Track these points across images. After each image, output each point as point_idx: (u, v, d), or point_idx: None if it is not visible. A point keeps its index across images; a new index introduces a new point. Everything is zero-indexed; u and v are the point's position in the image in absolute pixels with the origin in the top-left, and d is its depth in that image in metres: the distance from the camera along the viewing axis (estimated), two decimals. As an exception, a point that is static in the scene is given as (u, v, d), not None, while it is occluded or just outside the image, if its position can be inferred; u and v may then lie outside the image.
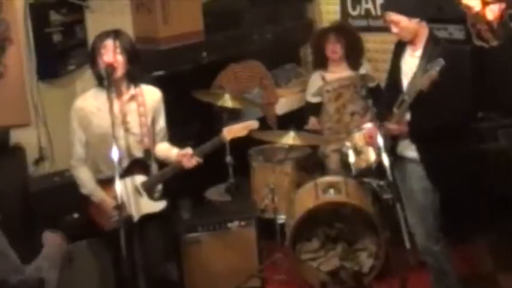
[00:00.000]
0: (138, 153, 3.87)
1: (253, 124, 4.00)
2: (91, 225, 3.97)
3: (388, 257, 4.45)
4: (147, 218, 3.90)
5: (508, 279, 4.44)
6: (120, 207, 3.55)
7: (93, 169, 3.90)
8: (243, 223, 4.70)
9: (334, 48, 5.18)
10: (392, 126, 3.81)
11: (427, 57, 3.72)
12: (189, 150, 3.86)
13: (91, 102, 3.83)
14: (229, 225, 4.68)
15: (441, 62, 3.53)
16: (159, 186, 3.98)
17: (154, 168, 3.98)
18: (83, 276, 4.30)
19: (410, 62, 3.85)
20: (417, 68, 3.76)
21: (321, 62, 5.29)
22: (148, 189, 3.89)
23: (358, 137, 4.38)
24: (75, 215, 4.28)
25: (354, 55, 5.24)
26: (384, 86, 4.39)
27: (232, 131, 3.93)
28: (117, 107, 3.79)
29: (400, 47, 3.94)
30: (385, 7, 3.94)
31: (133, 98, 3.84)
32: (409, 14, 3.74)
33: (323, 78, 5.23)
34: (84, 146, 3.86)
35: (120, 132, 3.80)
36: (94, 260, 4.30)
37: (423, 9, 3.81)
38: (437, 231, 3.95)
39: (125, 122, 3.82)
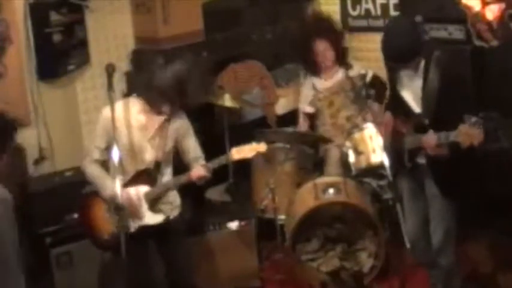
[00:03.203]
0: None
1: (262, 147, 4.02)
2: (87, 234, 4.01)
3: (388, 257, 4.45)
4: (146, 230, 3.90)
5: (508, 279, 4.44)
6: (121, 207, 3.57)
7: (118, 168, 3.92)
8: (243, 223, 4.70)
9: (325, 56, 5.16)
10: (430, 143, 3.64)
11: (430, 66, 3.69)
12: (201, 166, 3.93)
13: (120, 114, 3.84)
14: (229, 225, 4.68)
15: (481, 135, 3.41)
16: (177, 200, 4.03)
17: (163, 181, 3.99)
18: (83, 277, 4.30)
19: (413, 76, 3.78)
20: (423, 80, 3.71)
21: (313, 70, 5.26)
22: (151, 200, 3.90)
23: (359, 137, 4.38)
24: (75, 215, 4.28)
25: (341, 52, 5.21)
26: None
27: (241, 152, 3.97)
28: (151, 123, 3.88)
29: (392, 66, 3.88)
30: (393, 61, 3.75)
31: (166, 121, 3.91)
32: (417, 55, 3.66)
33: (314, 87, 5.25)
34: (100, 152, 3.86)
35: (147, 147, 3.86)
36: (95, 260, 4.30)
37: (422, 36, 3.71)
38: (456, 232, 3.96)
39: (152, 140, 3.88)
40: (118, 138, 3.76)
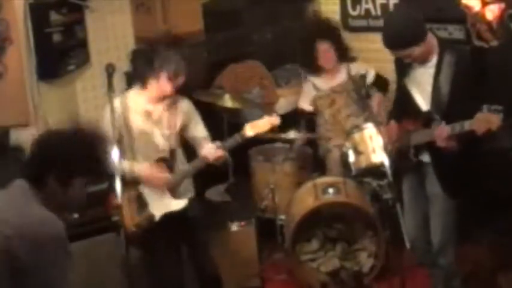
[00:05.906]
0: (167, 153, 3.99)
1: (276, 120, 4.01)
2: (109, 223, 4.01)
3: (388, 257, 4.45)
4: (172, 217, 3.95)
5: (508, 279, 4.43)
6: (120, 206, 3.58)
7: (131, 158, 3.98)
8: (243, 223, 4.70)
9: (327, 57, 5.11)
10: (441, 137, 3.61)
11: (442, 65, 3.67)
12: (212, 145, 3.99)
13: (128, 103, 3.95)
14: (229, 225, 4.69)
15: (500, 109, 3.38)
16: (188, 185, 4.08)
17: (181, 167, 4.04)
18: (83, 276, 4.29)
19: (422, 73, 3.76)
20: (434, 78, 3.70)
21: (314, 70, 5.22)
22: (171, 188, 3.94)
23: (359, 137, 4.38)
24: (75, 215, 4.28)
25: (344, 52, 5.18)
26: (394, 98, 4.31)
27: (255, 126, 3.96)
28: (156, 109, 3.95)
29: (401, 62, 3.83)
30: (390, 46, 3.69)
31: (170, 105, 3.98)
32: (415, 42, 3.60)
33: (315, 87, 5.23)
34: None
35: (156, 132, 3.94)
36: (95, 260, 4.30)
37: (424, 26, 3.67)
38: (456, 232, 3.96)
39: (159, 124, 3.96)
40: (130, 125, 3.89)
